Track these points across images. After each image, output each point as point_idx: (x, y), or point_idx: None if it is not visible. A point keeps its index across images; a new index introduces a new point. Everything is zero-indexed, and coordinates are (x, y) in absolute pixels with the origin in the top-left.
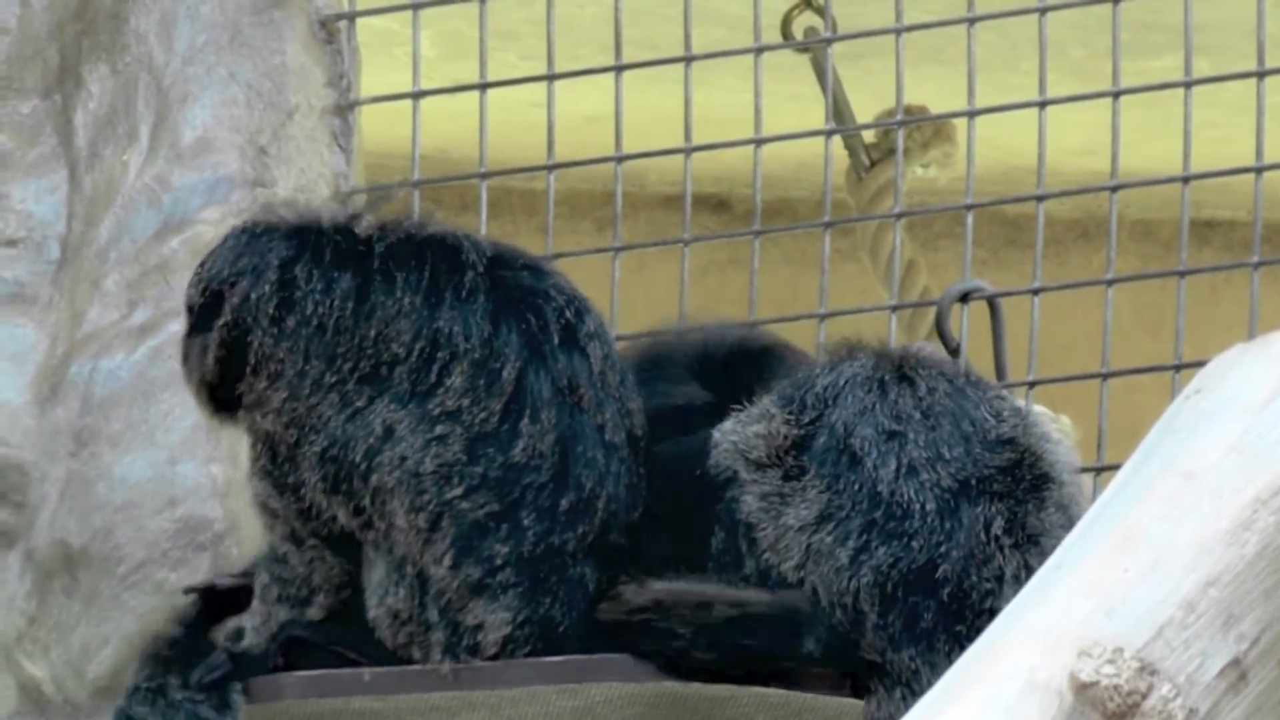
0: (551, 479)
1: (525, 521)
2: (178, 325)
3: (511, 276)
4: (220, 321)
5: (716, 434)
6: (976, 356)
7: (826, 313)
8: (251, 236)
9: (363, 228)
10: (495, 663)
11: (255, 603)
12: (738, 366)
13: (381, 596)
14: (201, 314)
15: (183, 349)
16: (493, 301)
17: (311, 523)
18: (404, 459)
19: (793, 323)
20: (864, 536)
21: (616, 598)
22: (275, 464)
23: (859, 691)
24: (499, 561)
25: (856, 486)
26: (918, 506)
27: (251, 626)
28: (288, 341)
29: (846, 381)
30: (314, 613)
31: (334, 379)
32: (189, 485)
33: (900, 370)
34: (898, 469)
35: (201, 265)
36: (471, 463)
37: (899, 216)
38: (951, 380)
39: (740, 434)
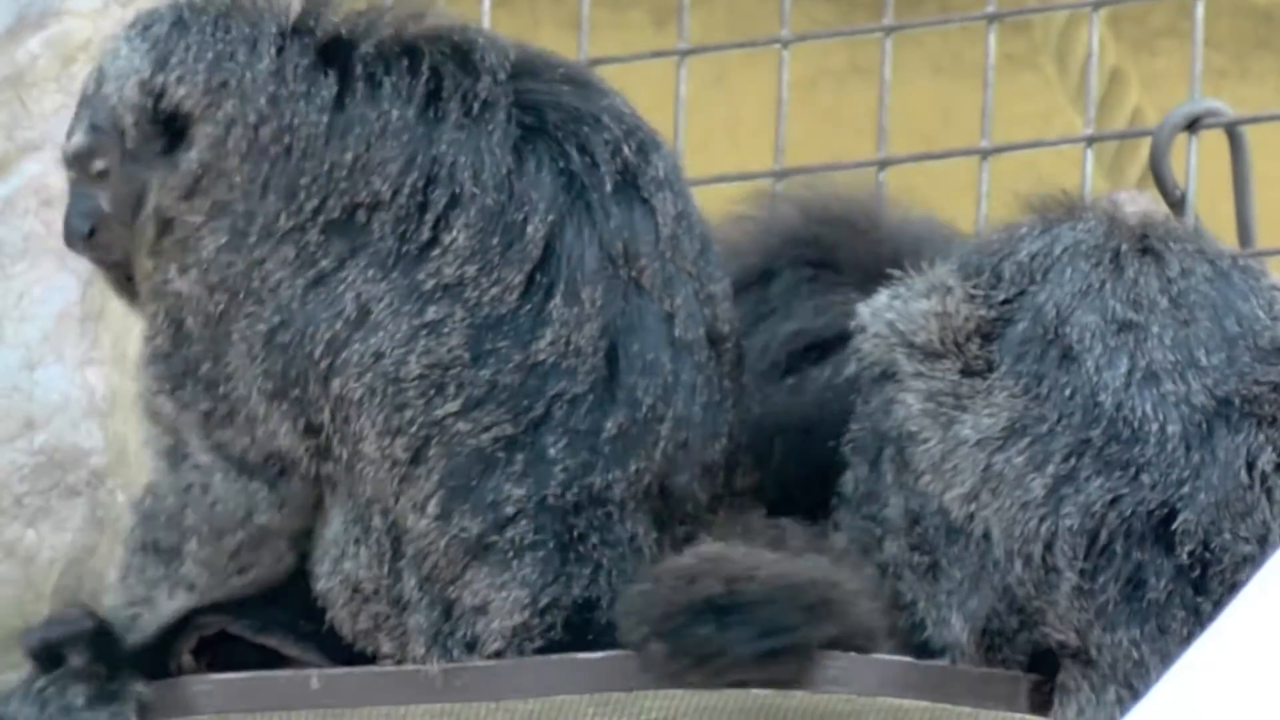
0: (592, 389)
1: (552, 451)
2: (38, 164)
3: (546, 92)
4: (208, 129)
5: (864, 312)
6: (1209, 209)
7: (991, 147)
8: (213, 23)
9: (338, 18)
10: (502, 662)
11: (119, 549)
12: None
13: (336, 560)
14: (156, 130)
15: (116, 182)
16: (517, 124)
17: (225, 431)
18: (379, 356)
19: (941, 161)
20: (1070, 462)
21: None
22: (180, 344)
23: (1045, 695)
24: (510, 510)
25: (1067, 392)
26: (1154, 427)
27: (110, 583)
28: (250, 162)
29: (1066, 250)
30: (190, 570)
31: (291, 222)
32: (53, 399)
33: (1144, 241)
34: (1130, 374)
35: (159, 61)
36: (476, 363)
37: (1097, 6)
38: (1214, 260)
39: (901, 311)
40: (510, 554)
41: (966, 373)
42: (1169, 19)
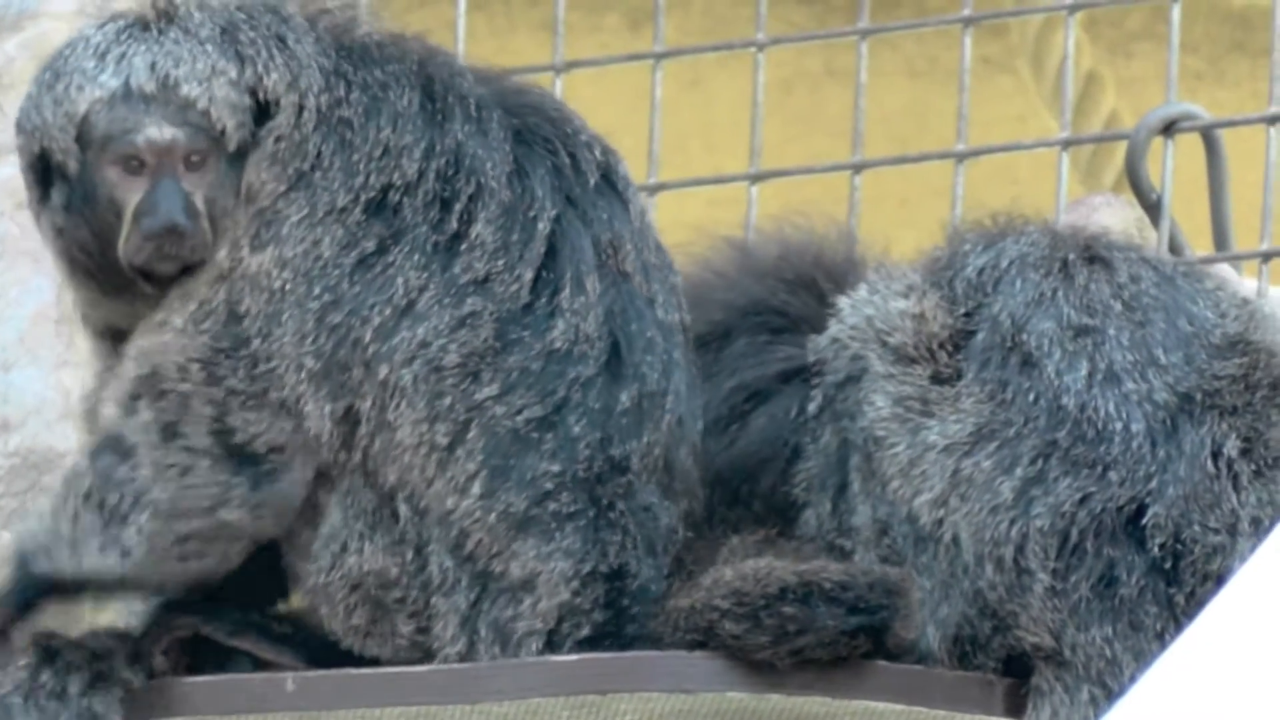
0: (601, 371)
1: (576, 429)
2: (13, 166)
3: (516, 95)
4: (290, 99)
5: (844, 303)
6: (1185, 212)
7: (967, 150)
8: (250, 13)
9: (335, 10)
10: (478, 664)
11: (59, 484)
12: None
13: (337, 555)
14: (254, 122)
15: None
16: (507, 129)
17: (244, 414)
18: (425, 345)
19: (917, 164)
20: (1038, 464)
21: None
22: (232, 324)
23: (1020, 698)
24: (548, 485)
25: (1031, 397)
26: (1119, 426)
27: (40, 512)
28: (322, 131)
29: (1012, 262)
30: (132, 538)
31: (346, 199)
32: (29, 401)
33: (1089, 250)
34: (1091, 375)
35: (237, 57)
36: (505, 351)
37: (1073, 9)
38: (1158, 266)
39: (880, 307)
40: (554, 525)
41: (936, 379)
42: (1145, 23)
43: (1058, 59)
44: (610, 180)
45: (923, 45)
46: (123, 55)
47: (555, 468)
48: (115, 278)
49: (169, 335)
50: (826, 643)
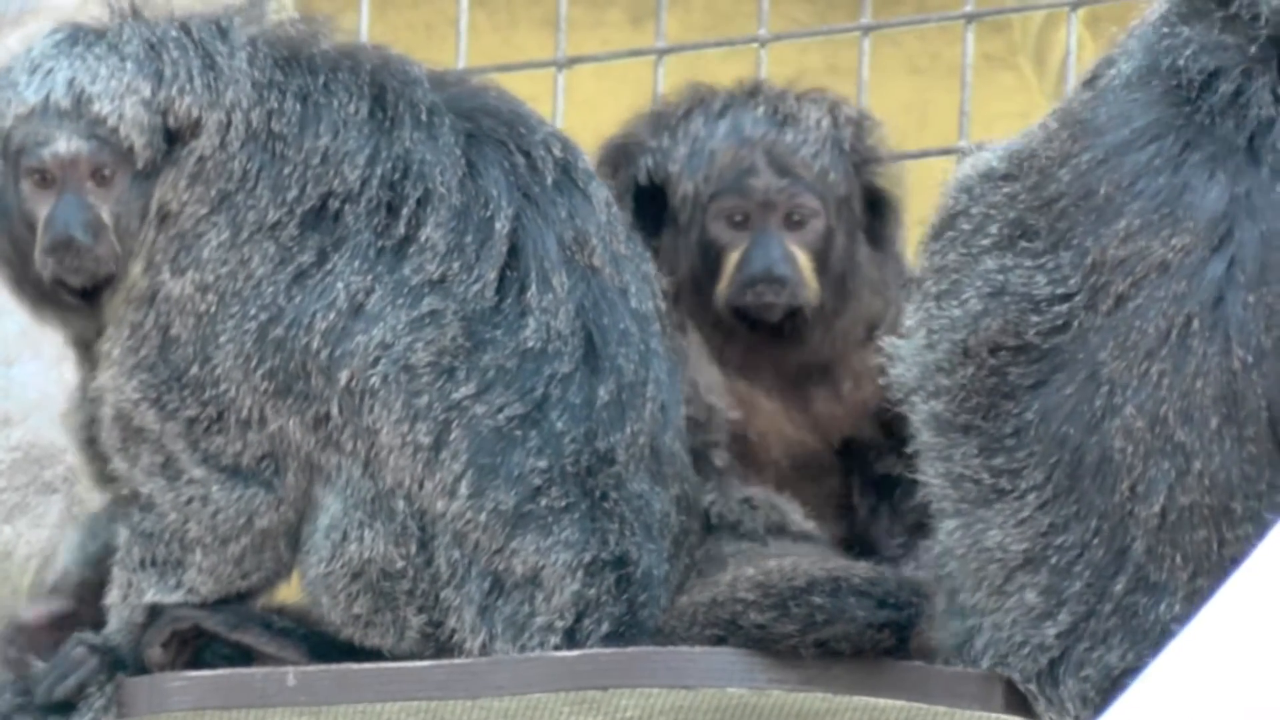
0: (578, 366)
1: (559, 425)
2: None
3: (471, 98)
4: (214, 117)
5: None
6: None
7: (969, 147)
8: (183, 30)
9: (285, 24)
10: (478, 659)
11: (115, 570)
12: None
13: (338, 544)
14: (165, 142)
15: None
16: (461, 131)
17: (214, 439)
18: (387, 345)
19: (919, 160)
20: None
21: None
22: (167, 350)
23: (1020, 694)
24: (537, 481)
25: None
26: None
27: (112, 604)
28: (247, 149)
29: None
30: (194, 578)
31: (276, 216)
32: (29, 396)
33: None
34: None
35: (155, 76)
36: (477, 350)
37: (1075, 5)
38: None
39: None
40: (550, 519)
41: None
42: None
43: (1060, 55)
44: (570, 175)
45: (925, 42)
46: (50, 70)
47: (542, 464)
48: (40, 288)
49: (113, 370)
50: (854, 635)
